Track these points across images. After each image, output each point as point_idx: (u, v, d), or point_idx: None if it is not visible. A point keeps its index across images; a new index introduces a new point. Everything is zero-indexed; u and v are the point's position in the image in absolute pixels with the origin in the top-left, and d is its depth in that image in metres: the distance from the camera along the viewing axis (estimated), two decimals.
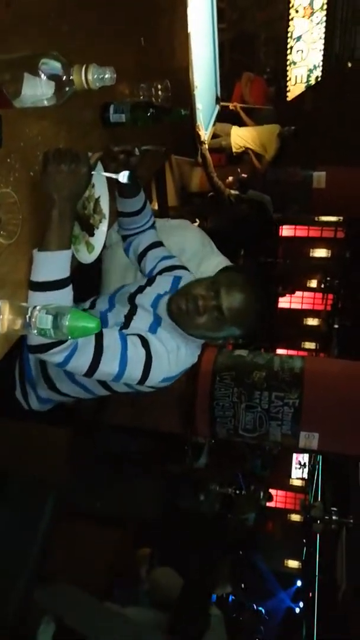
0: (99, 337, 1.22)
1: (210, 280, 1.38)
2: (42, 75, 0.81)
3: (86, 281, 1.17)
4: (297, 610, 5.55)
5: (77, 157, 1.12)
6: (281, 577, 5.91)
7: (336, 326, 6.67)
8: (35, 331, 1.03)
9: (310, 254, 7.82)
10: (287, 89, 4.21)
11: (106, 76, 0.89)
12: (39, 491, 1.87)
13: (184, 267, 1.61)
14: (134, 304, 1.44)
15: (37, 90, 0.81)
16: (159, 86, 1.65)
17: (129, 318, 1.38)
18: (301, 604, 5.54)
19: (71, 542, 2.30)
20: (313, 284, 8.00)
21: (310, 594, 5.45)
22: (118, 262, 2.00)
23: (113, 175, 1.32)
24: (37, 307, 1.03)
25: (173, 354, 1.34)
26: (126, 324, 1.37)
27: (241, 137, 4.43)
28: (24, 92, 0.81)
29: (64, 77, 0.84)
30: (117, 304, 1.49)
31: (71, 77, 0.85)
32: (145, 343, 1.29)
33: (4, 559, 1.67)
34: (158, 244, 1.65)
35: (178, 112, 1.43)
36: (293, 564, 5.86)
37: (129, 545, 2.86)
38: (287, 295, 7.03)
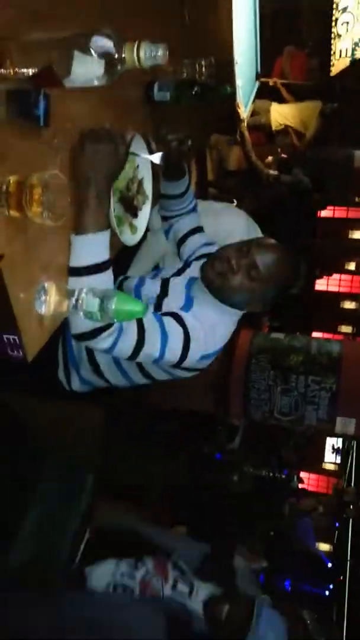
0: (139, 319, 1.23)
1: (240, 241, 1.39)
2: (94, 54, 0.80)
3: (115, 262, 1.16)
4: (327, 593, 5.56)
5: (114, 137, 1.10)
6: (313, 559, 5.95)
7: None
8: (82, 313, 1.04)
9: (349, 236, 7.63)
10: (331, 63, 4.04)
11: (158, 54, 0.87)
12: (77, 469, 1.92)
13: None
14: (167, 285, 1.45)
15: (88, 69, 0.80)
16: (203, 63, 1.61)
17: (161, 298, 1.39)
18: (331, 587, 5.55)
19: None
20: (351, 266, 7.82)
21: (341, 577, 5.46)
22: (156, 248, 2.00)
23: (148, 157, 1.32)
24: (84, 290, 1.04)
25: (210, 330, 1.34)
26: (158, 304, 1.38)
27: (281, 114, 4.30)
28: (74, 71, 0.80)
29: (116, 55, 0.82)
30: (148, 282, 1.50)
31: (123, 55, 0.83)
32: (180, 321, 1.29)
33: (47, 534, 1.73)
34: (199, 229, 1.64)
35: (223, 90, 1.40)
36: (324, 547, 5.87)
37: (163, 523, 2.91)
38: (324, 277, 6.89)
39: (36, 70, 0.80)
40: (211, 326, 1.35)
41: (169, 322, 1.28)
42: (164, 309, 1.35)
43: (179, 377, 1.44)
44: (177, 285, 1.44)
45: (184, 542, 1.92)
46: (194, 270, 1.51)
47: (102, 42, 0.80)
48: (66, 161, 1.12)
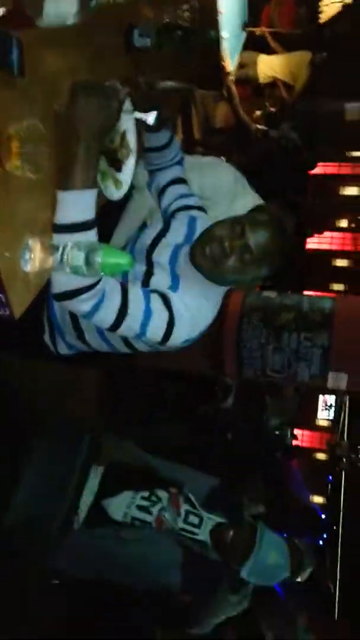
0: (125, 291, 1.21)
1: (232, 220, 1.33)
2: None
3: (101, 220, 1.13)
4: (321, 542, 5.77)
5: (107, 90, 1.05)
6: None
7: None
8: (68, 269, 1.02)
9: (340, 192, 7.53)
10: (319, 10, 3.89)
11: None
12: (73, 430, 1.93)
13: (201, 208, 1.56)
14: (151, 261, 1.40)
15: (60, 6, 0.75)
16: (185, 7, 1.54)
17: (147, 276, 1.35)
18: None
19: None
20: (343, 223, 7.75)
21: (335, 527, 5.67)
22: (143, 205, 1.96)
23: (142, 116, 1.27)
24: (69, 244, 1.02)
25: (196, 313, 1.31)
26: (145, 281, 1.34)
27: (269, 65, 4.16)
28: (46, 9, 0.76)
29: None
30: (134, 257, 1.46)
31: None
32: (167, 303, 1.26)
33: (44, 493, 1.76)
34: (180, 180, 1.58)
35: (208, 35, 1.34)
36: (318, 499, 6.06)
37: None
38: (315, 235, 6.84)
39: (6, 10, 0.76)
40: (198, 307, 1.32)
41: (155, 301, 1.25)
42: (151, 286, 1.31)
43: (160, 350, 1.42)
44: (162, 261, 1.39)
45: (193, 475, 2.00)
46: (174, 235, 1.47)
47: None
48: (44, 112, 1.08)
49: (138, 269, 1.37)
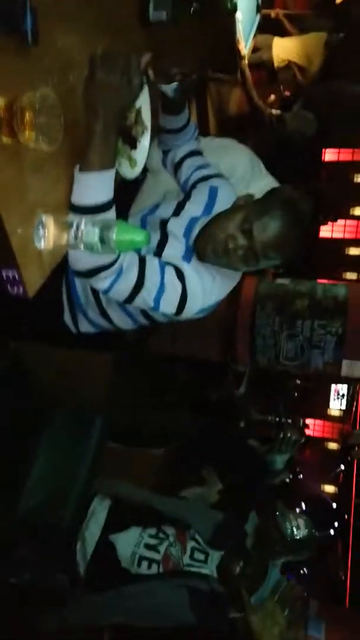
0: (142, 264, 1.19)
1: (242, 215, 1.27)
2: None
3: (116, 201, 1.11)
4: (332, 531, 5.77)
5: (129, 65, 0.99)
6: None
7: None
8: (82, 245, 1.00)
9: (355, 180, 7.41)
10: None
11: None
12: (86, 414, 1.92)
13: (221, 176, 1.53)
14: (165, 231, 1.37)
15: None
16: None
17: (161, 246, 1.33)
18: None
19: (118, 463, 2.39)
20: (357, 211, 7.62)
21: (346, 516, 5.65)
22: (157, 188, 1.93)
23: (163, 88, 1.24)
24: (83, 221, 1.00)
25: (208, 285, 1.29)
26: (159, 252, 1.32)
27: (284, 48, 4.07)
28: None
29: None
30: (148, 227, 1.43)
31: None
32: (180, 275, 1.25)
33: (57, 478, 1.75)
34: (195, 152, 1.55)
35: (224, 4, 1.29)
36: (329, 488, 6.04)
37: (171, 465, 2.96)
38: (329, 223, 6.75)
39: None
40: (211, 279, 1.30)
41: (169, 274, 1.24)
42: (164, 257, 1.29)
43: (178, 320, 1.40)
44: (177, 230, 1.37)
45: (198, 514, 1.99)
46: (193, 207, 1.44)
47: None
48: (59, 85, 1.05)
49: (152, 239, 1.32)
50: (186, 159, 1.53)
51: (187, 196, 1.48)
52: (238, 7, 2.63)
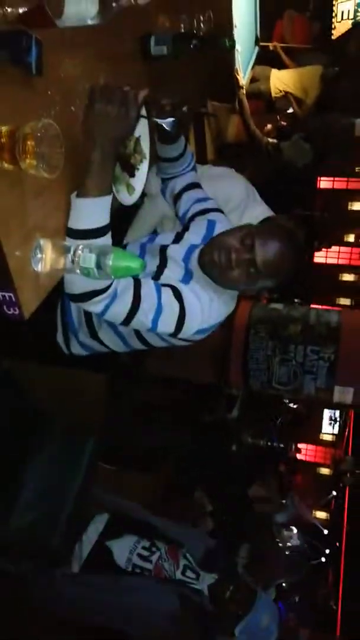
0: (137, 286, 1.21)
1: (245, 231, 1.33)
2: None
3: (113, 225, 1.14)
4: (323, 559, 5.69)
5: (127, 98, 1.04)
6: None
7: None
8: (79, 270, 1.02)
9: (349, 208, 7.53)
10: (332, 26, 3.93)
11: None
12: (79, 434, 1.92)
13: (219, 210, 1.56)
14: (165, 256, 1.40)
15: (81, 7, 0.76)
16: (202, 17, 1.56)
17: (160, 270, 1.36)
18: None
19: (108, 482, 2.39)
20: (350, 238, 7.73)
21: (337, 543, 5.58)
22: (154, 213, 1.97)
23: (159, 121, 1.28)
24: (80, 246, 1.02)
25: (206, 306, 1.32)
26: (157, 275, 1.35)
27: (281, 80, 4.20)
28: (67, 10, 0.76)
29: None
30: (147, 254, 1.46)
31: None
32: (178, 295, 1.27)
33: (47, 498, 1.74)
34: (194, 185, 1.60)
35: (223, 42, 1.35)
36: (321, 514, 5.98)
37: (161, 488, 2.94)
38: (323, 249, 6.83)
39: (27, 9, 0.77)
40: (209, 301, 1.33)
41: (167, 294, 1.26)
42: (163, 280, 1.32)
43: (175, 345, 1.43)
44: (176, 255, 1.41)
45: (191, 536, 2.05)
46: (192, 236, 1.48)
47: None
48: (61, 114, 1.09)
49: (151, 263, 1.37)
50: (185, 192, 1.57)
51: (186, 228, 1.51)
52: (237, 41, 2.73)
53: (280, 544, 2.00)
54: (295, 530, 2.01)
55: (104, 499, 2.01)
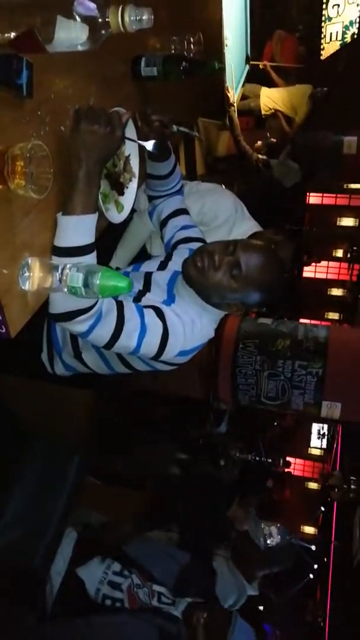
0: (120, 308, 1.21)
1: (228, 240, 1.36)
2: (77, 18, 0.77)
3: (100, 243, 1.14)
4: (311, 575, 5.66)
5: (111, 119, 1.07)
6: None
7: None
8: (66, 289, 1.02)
9: (337, 223, 7.64)
10: (321, 47, 4.01)
11: (144, 17, 0.84)
12: (64, 451, 1.91)
13: (202, 240, 1.58)
14: (149, 280, 1.42)
15: (71, 33, 0.77)
16: (192, 39, 1.59)
17: (142, 293, 1.37)
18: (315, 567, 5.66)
19: (94, 500, 2.36)
20: (339, 253, 7.83)
21: (325, 559, 5.56)
22: (142, 228, 1.98)
23: (141, 143, 1.30)
24: (68, 265, 1.02)
25: (189, 327, 1.32)
26: (139, 297, 1.35)
27: (271, 98, 4.27)
28: (57, 35, 0.78)
29: (99, 19, 0.80)
30: (132, 279, 1.47)
31: (107, 19, 0.81)
32: (160, 314, 1.27)
33: (32, 515, 1.72)
34: (181, 211, 1.61)
35: (212, 66, 1.37)
36: (309, 530, 5.96)
37: (147, 506, 2.92)
38: (312, 264, 6.91)
39: (17, 34, 0.78)
40: (191, 323, 1.33)
41: (150, 315, 1.26)
42: (144, 302, 1.32)
43: (157, 369, 1.42)
44: (160, 280, 1.42)
45: (160, 562, 1.98)
46: (177, 263, 1.49)
47: (86, 6, 0.78)
48: (51, 135, 1.10)
49: (134, 287, 1.38)
50: (171, 218, 1.58)
51: (169, 256, 1.52)
52: (228, 59, 2.77)
53: (258, 543, 1.95)
54: (275, 529, 1.96)
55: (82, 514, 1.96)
